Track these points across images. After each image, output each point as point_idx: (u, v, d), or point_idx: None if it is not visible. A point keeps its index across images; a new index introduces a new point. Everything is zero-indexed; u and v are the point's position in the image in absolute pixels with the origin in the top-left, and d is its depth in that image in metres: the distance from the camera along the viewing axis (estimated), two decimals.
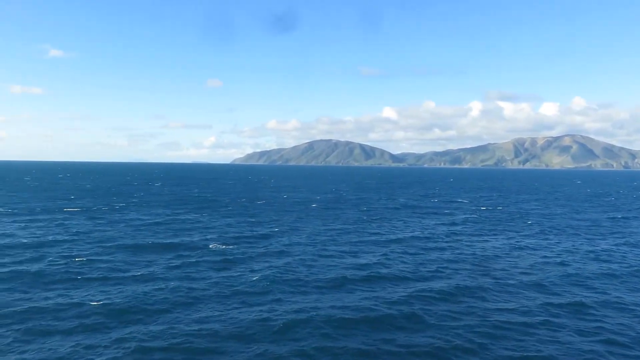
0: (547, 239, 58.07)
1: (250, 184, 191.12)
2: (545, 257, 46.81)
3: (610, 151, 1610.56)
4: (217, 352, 22.83)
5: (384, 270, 39.90)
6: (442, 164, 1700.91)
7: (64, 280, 34.60)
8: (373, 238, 56.43)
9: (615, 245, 54.24)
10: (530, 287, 35.75)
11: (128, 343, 23.24)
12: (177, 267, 39.51)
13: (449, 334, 25.94)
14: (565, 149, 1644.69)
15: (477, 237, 58.42)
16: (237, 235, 56.31)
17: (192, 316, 27.61)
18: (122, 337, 24.08)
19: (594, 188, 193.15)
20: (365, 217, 76.87)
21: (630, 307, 31.25)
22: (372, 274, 38.68)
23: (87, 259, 41.25)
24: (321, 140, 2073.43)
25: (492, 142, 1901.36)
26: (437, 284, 35.90)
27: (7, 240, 49.27)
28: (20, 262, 39.66)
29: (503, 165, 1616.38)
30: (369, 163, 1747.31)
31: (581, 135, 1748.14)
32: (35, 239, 50.20)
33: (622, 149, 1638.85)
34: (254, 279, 36.14)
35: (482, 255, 47.18)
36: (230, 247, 48.65)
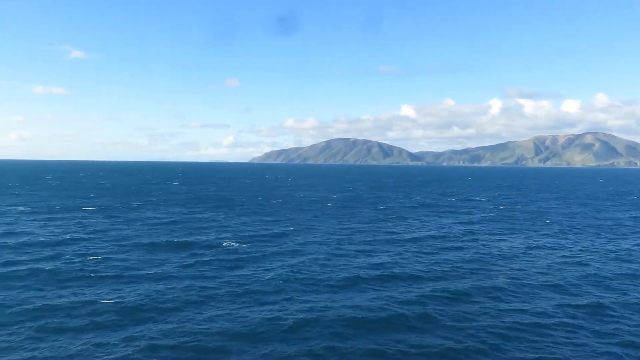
0: (566, 238, 56.98)
1: (267, 182, 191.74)
2: (563, 256, 45.90)
3: (634, 149, 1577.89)
4: (225, 351, 22.77)
5: (398, 270, 39.51)
6: (461, 162, 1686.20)
7: (78, 278, 34.96)
8: (388, 237, 56.01)
9: (637, 245, 52.95)
10: (546, 287, 35.04)
11: (137, 341, 23.32)
12: (190, 265, 39.66)
13: (461, 334, 25.52)
14: (587, 147, 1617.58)
15: (494, 236, 57.59)
16: (251, 234, 56.38)
17: (202, 315, 27.62)
18: (132, 335, 24.19)
19: (617, 186, 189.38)
20: (381, 216, 76.43)
21: None
22: (385, 273, 38.33)
23: (102, 257, 41.66)
24: (339, 139, 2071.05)
25: (512, 140, 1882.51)
26: (451, 284, 35.42)
27: (25, 239, 50.04)
28: (37, 260, 40.21)
29: (523, 163, 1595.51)
30: (387, 162, 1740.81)
31: (604, 133, 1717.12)
32: (53, 237, 50.89)
33: None
34: (267, 277, 36.08)
35: (499, 255, 46.47)
36: (245, 245, 48.69)
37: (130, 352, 22.09)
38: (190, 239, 52.09)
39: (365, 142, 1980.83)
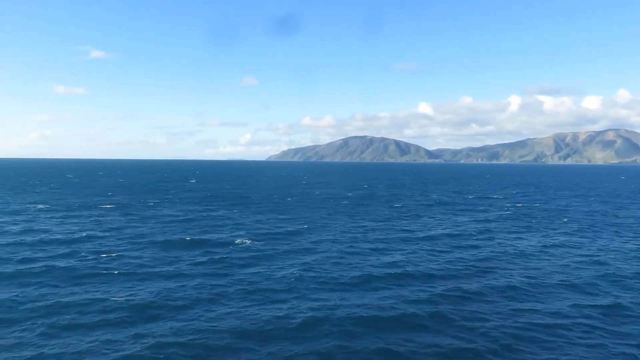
0: (585, 236, 55.88)
1: (283, 180, 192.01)
2: (582, 255, 44.99)
3: None
4: (232, 349, 22.71)
5: (411, 268, 39.09)
6: (479, 159, 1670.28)
7: (91, 275, 35.27)
8: (402, 235, 55.55)
9: None
10: (563, 286, 34.33)
11: (146, 339, 23.39)
12: (202, 263, 39.75)
13: (473, 334, 25.10)
14: (608, 144, 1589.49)
15: (510, 235, 56.74)
16: (265, 231, 56.38)
17: (212, 312, 27.61)
18: (141, 332, 24.28)
19: (639, 184, 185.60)
20: (396, 214, 75.91)
21: None
22: (398, 271, 37.95)
23: (116, 255, 42.01)
24: (356, 137, 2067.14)
25: (531, 137, 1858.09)
26: (464, 283, 34.93)
27: (43, 236, 50.72)
28: (53, 258, 40.69)
29: (543, 160, 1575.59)
30: (404, 159, 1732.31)
31: (625, 130, 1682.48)
32: (70, 235, 51.51)
33: None
34: (278, 275, 36.00)
35: (514, 253, 45.75)
36: (258, 243, 48.69)
37: (138, 349, 22.15)
38: (204, 236, 52.29)
39: (382, 139, 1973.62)
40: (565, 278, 36.45)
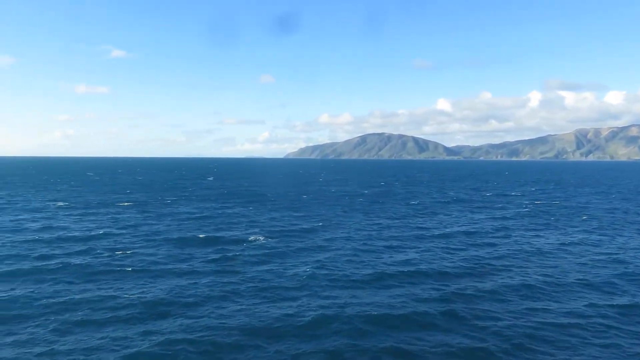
0: (605, 234, 54.76)
1: (300, 178, 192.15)
2: (600, 253, 44.09)
3: None
4: (240, 346, 22.69)
5: (425, 266, 38.71)
6: (499, 156, 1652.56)
7: (105, 272, 35.62)
8: (418, 233, 55.09)
9: None
10: (580, 285, 33.65)
11: (155, 335, 23.51)
12: (215, 260, 39.89)
13: (485, 333, 24.71)
14: (632, 140, 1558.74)
15: (527, 232, 55.87)
16: (280, 229, 56.39)
17: (222, 310, 27.65)
18: (151, 329, 24.41)
19: None
20: (412, 212, 75.35)
21: None
22: (412, 269, 37.60)
23: (131, 252, 42.40)
24: (374, 134, 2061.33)
25: (552, 133, 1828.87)
26: (478, 281, 34.47)
27: (60, 233, 51.45)
28: (69, 255, 41.23)
29: (564, 157, 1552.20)
30: (422, 156, 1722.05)
31: None
32: (87, 232, 52.17)
33: None
34: (290, 273, 35.94)
35: (531, 251, 45.02)
36: (272, 241, 48.71)
37: (147, 346, 22.27)
38: (219, 234, 52.50)
39: (400, 136, 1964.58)
40: (582, 276, 35.74)
